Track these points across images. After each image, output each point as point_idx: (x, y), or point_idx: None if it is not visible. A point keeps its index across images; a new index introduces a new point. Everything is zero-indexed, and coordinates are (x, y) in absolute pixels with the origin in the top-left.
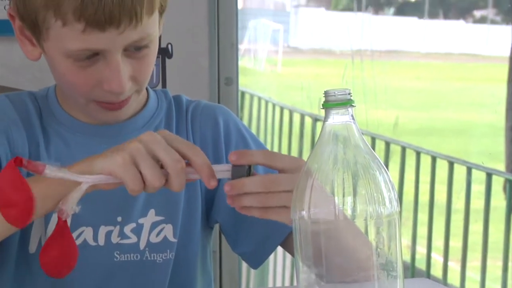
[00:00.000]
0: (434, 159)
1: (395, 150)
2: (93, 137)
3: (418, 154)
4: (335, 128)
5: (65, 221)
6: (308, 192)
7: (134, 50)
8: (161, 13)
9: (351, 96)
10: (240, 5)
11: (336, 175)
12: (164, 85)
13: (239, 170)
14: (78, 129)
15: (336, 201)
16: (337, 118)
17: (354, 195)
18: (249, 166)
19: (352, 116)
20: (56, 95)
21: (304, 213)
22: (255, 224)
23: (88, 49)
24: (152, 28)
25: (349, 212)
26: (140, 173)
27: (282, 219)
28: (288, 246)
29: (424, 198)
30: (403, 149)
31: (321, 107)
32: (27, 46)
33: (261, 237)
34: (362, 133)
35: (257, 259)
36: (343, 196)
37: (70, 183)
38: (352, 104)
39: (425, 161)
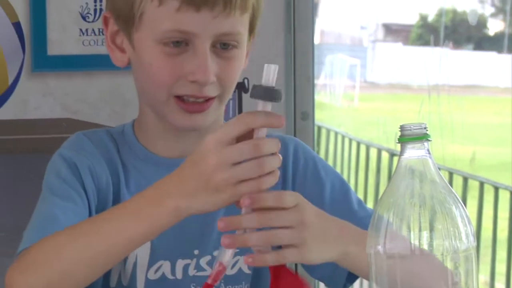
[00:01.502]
0: None
1: (473, 185)
2: (172, 171)
3: (496, 189)
4: (411, 162)
5: None
6: (384, 226)
7: (221, 47)
8: (250, 31)
9: (427, 130)
10: (317, 40)
11: (412, 210)
12: None
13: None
14: (157, 163)
15: (412, 235)
16: (413, 153)
17: (431, 229)
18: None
19: (428, 150)
20: (134, 130)
21: (379, 247)
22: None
23: (180, 30)
24: (243, 28)
25: (425, 246)
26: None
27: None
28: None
29: (502, 234)
30: (481, 185)
31: (397, 141)
32: (116, 53)
33: None
34: (439, 168)
35: (338, 281)
36: (419, 230)
37: (147, 216)
38: (428, 139)
39: (504, 196)
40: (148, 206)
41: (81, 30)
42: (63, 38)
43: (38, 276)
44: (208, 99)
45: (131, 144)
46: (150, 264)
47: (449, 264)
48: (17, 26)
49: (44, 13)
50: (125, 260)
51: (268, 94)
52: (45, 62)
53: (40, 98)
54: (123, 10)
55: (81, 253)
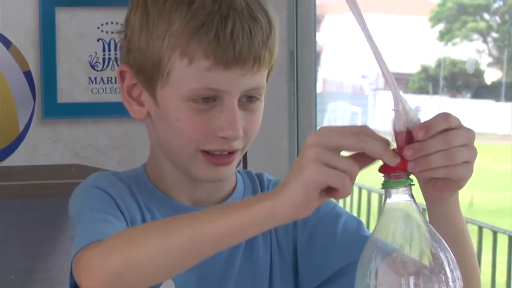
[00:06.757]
0: (511, 239)
1: (472, 229)
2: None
3: (494, 234)
4: (395, 207)
5: None
6: (370, 271)
7: (247, 100)
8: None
9: (409, 175)
10: (319, 89)
11: (398, 254)
12: (244, 168)
13: None
14: (177, 209)
15: (400, 281)
16: (397, 197)
17: (417, 274)
18: None
19: (411, 195)
20: (148, 176)
21: None
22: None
23: (209, 88)
24: (265, 81)
25: None
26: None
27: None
28: None
29: (501, 278)
30: (480, 229)
31: (381, 187)
32: (134, 106)
33: None
34: None
35: None
36: (406, 275)
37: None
38: (411, 183)
39: (502, 241)
40: (247, 203)
41: (90, 78)
42: (73, 87)
43: (116, 261)
44: (233, 152)
45: (149, 188)
46: None
47: None
48: (28, 75)
49: (55, 62)
50: None
51: None
52: (55, 109)
53: (50, 144)
54: (145, 66)
55: (165, 242)
